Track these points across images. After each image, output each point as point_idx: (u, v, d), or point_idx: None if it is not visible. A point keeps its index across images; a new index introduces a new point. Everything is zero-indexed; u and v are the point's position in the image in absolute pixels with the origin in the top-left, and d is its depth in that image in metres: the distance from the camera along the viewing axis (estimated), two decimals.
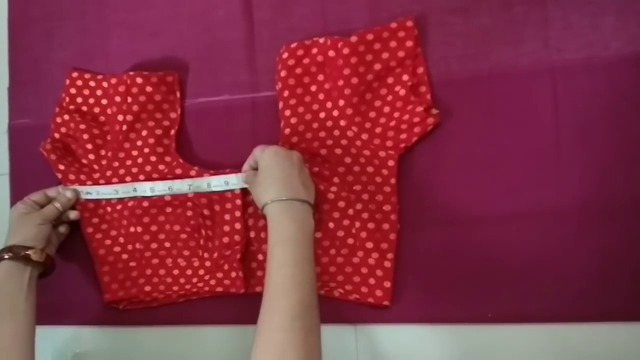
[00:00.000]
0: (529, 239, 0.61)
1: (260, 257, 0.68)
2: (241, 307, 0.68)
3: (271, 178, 0.60)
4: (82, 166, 0.73)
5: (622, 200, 0.60)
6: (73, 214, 0.71)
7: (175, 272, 0.71)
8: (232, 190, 0.68)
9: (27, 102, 0.79)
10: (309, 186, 0.61)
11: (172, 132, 0.72)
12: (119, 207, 0.72)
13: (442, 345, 0.63)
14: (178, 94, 0.73)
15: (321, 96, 0.67)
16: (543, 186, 0.61)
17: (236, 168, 0.68)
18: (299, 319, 0.51)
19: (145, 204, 0.70)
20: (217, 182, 0.68)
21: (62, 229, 0.72)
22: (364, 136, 0.65)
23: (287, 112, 0.68)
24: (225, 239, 0.68)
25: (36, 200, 0.69)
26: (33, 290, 0.64)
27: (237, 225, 0.67)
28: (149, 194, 0.70)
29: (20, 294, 0.62)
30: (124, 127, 0.71)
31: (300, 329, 0.50)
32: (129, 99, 0.71)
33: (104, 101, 0.74)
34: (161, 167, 0.71)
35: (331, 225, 0.64)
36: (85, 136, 0.73)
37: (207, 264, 0.70)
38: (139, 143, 0.72)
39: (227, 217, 0.68)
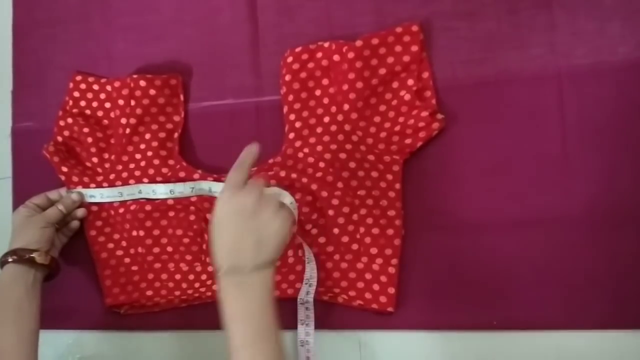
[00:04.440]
0: (535, 245, 0.61)
1: None
2: None
3: (219, 240, 0.53)
4: (85, 169, 0.73)
5: (630, 207, 0.59)
6: (80, 212, 0.71)
7: (178, 276, 0.70)
8: None
9: (31, 106, 0.79)
10: (268, 239, 0.53)
11: (176, 135, 0.72)
12: (121, 210, 0.72)
13: (447, 353, 0.63)
14: (182, 97, 0.73)
15: (326, 100, 0.67)
16: (549, 192, 0.61)
17: None
18: None
19: (148, 207, 0.70)
20: (217, 189, 0.68)
21: (74, 224, 0.72)
22: (369, 141, 0.65)
23: (292, 117, 0.67)
24: None
25: (38, 204, 0.69)
26: (38, 294, 0.64)
27: None
28: (152, 196, 0.70)
29: (25, 298, 0.62)
30: (128, 131, 0.71)
31: None
32: (133, 102, 0.70)
33: (108, 104, 0.74)
34: (164, 170, 0.71)
35: (335, 230, 0.64)
36: (89, 139, 0.73)
37: (210, 268, 0.69)
38: (143, 146, 0.72)
39: None
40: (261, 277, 0.52)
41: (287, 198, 0.64)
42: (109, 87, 0.73)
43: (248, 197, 0.53)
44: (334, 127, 0.66)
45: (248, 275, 0.52)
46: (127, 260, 0.72)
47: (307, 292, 0.64)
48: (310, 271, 0.64)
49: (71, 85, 0.75)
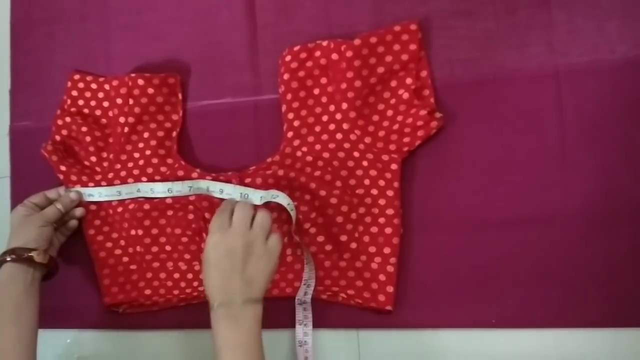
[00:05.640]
0: (533, 243, 0.61)
1: None
2: None
3: (209, 280, 0.56)
4: (83, 167, 0.73)
5: (628, 205, 0.59)
6: (79, 211, 0.71)
7: (176, 275, 0.70)
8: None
9: (29, 105, 0.79)
10: (256, 277, 0.56)
11: (174, 134, 0.72)
12: (120, 209, 0.71)
13: (445, 351, 0.63)
14: (180, 96, 0.73)
15: (324, 99, 0.67)
16: (548, 190, 0.61)
17: (238, 171, 0.68)
18: None
19: (147, 206, 0.70)
20: (214, 188, 0.68)
21: (72, 223, 0.71)
22: (367, 139, 0.64)
23: (290, 115, 0.67)
24: None
25: (36, 203, 0.69)
26: (36, 293, 0.64)
27: None
28: (150, 195, 0.70)
29: (24, 297, 0.62)
30: (126, 129, 0.71)
31: None
32: (131, 101, 0.70)
33: (106, 103, 0.74)
34: (163, 169, 0.71)
35: (334, 229, 0.64)
36: (87, 138, 0.72)
37: None
38: (141, 145, 0.72)
39: None
40: (251, 310, 0.55)
41: (285, 200, 0.64)
42: (107, 86, 0.73)
43: (237, 241, 0.56)
44: (332, 126, 0.66)
45: (239, 309, 0.54)
46: (125, 259, 0.72)
47: (305, 292, 0.64)
48: (309, 272, 0.64)
49: (69, 84, 0.75)
